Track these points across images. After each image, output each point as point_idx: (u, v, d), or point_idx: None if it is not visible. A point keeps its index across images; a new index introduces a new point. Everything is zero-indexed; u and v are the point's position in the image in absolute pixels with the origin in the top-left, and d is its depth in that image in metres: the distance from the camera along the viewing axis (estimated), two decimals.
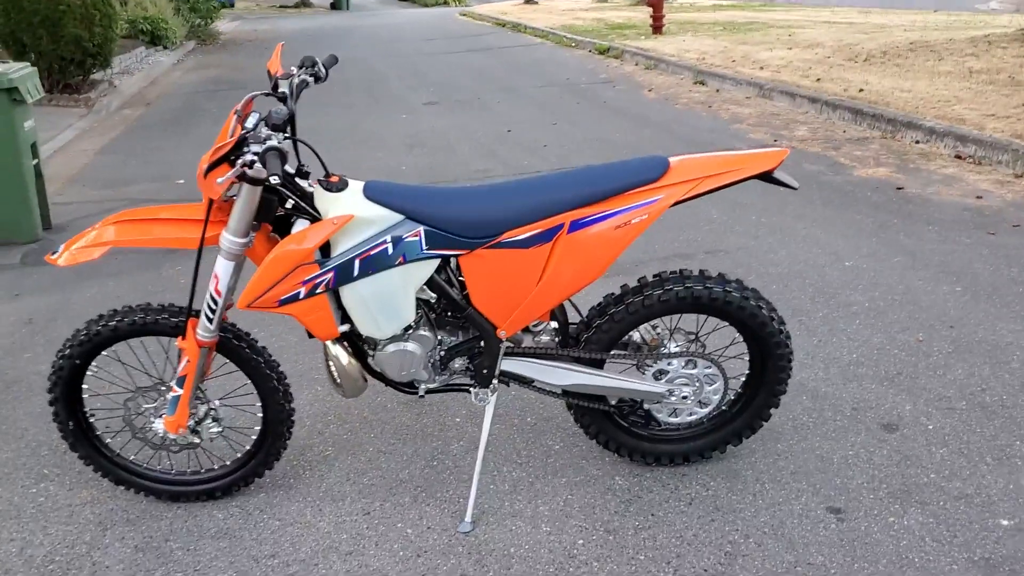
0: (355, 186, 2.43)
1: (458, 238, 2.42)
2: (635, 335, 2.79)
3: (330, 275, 2.40)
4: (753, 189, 6.11)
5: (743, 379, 2.85)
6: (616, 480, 2.87)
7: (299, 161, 2.43)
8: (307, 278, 2.38)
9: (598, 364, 2.71)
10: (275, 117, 2.29)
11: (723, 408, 2.90)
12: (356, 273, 2.40)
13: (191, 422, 2.69)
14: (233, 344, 2.61)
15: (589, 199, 2.43)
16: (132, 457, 2.84)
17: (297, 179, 2.39)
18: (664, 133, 8.14)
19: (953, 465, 2.87)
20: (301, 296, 2.40)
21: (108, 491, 2.90)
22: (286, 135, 2.35)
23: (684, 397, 2.74)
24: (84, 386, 2.73)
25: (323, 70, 2.63)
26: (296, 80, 2.53)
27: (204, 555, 2.61)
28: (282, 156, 2.14)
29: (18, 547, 2.68)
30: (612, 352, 2.72)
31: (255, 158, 2.13)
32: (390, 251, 2.40)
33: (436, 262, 2.45)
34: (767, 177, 2.50)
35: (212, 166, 2.16)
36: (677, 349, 2.77)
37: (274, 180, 2.06)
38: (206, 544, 2.66)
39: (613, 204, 2.43)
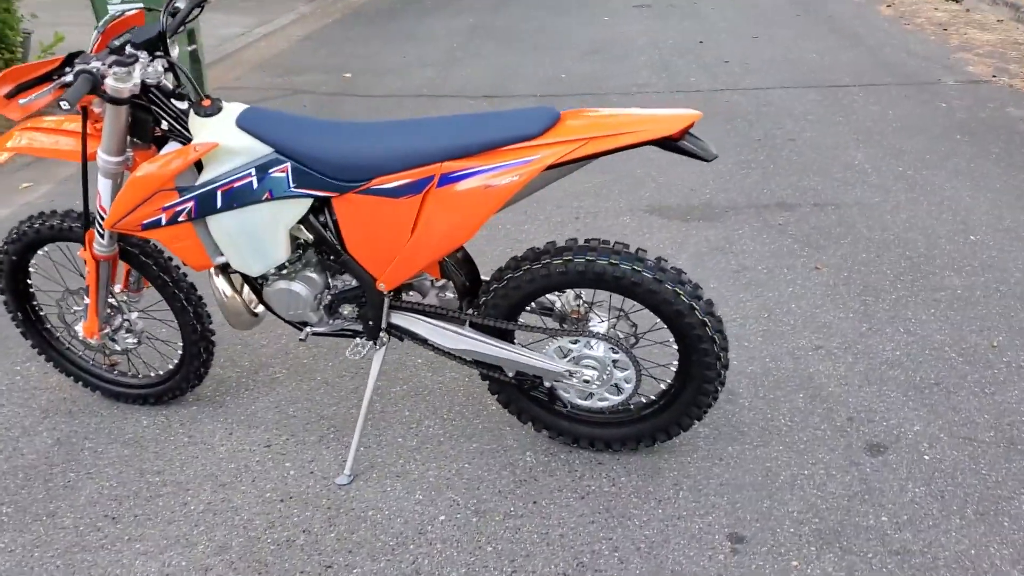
0: (230, 112, 2.28)
1: (327, 179, 2.23)
2: (557, 304, 2.50)
3: (191, 204, 2.29)
4: (925, 131, 5.30)
5: (674, 369, 2.47)
6: (524, 457, 2.63)
7: (178, 81, 2.31)
8: (167, 204, 2.30)
9: (498, 331, 2.45)
10: (137, 35, 2.18)
11: (652, 398, 2.55)
12: (219, 205, 2.28)
13: (108, 330, 2.73)
14: (140, 260, 2.60)
15: (462, 151, 2.14)
16: (80, 353, 2.95)
17: (173, 100, 2.28)
18: (867, 58, 7.21)
19: (918, 511, 2.36)
20: (163, 223, 2.33)
21: (71, 383, 3.03)
22: (156, 54, 2.24)
23: (586, 381, 2.42)
24: (29, 281, 2.84)
25: None
26: None
27: (104, 459, 2.69)
28: (94, 82, 2.03)
29: None
30: (518, 320, 2.44)
31: (72, 79, 2.04)
32: (255, 185, 2.25)
33: (308, 202, 2.28)
34: (669, 145, 2.08)
35: (29, 84, 2.09)
36: (602, 325, 2.45)
37: (64, 106, 1.96)
38: (114, 449, 2.74)
39: (485, 160, 2.12)
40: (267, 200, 2.27)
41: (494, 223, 4.28)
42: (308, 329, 2.54)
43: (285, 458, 2.66)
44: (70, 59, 2.13)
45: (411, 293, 2.54)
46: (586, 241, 2.33)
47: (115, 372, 2.94)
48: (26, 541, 2.38)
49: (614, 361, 2.39)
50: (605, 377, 2.41)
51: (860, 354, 3.07)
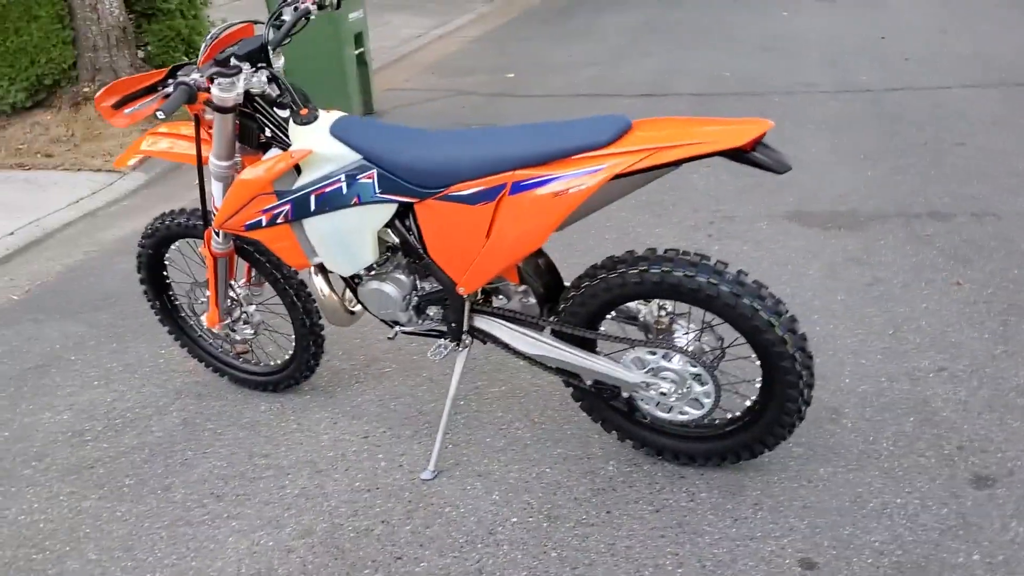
0: (326, 120, 2.41)
1: (409, 185, 2.31)
2: (642, 313, 2.48)
3: (287, 207, 2.44)
4: None
5: (758, 385, 2.40)
6: (607, 466, 2.62)
7: (279, 89, 2.44)
8: (266, 207, 2.45)
9: (577, 339, 2.46)
10: (241, 48, 2.34)
11: (737, 414, 2.48)
12: (313, 208, 2.42)
13: (227, 321, 2.94)
14: (255, 257, 2.78)
15: (533, 159, 2.16)
16: (210, 340, 3.19)
17: (275, 109, 2.43)
18: None
19: (1018, 552, 2.18)
20: (264, 224, 2.48)
21: (204, 368, 3.28)
22: (260, 66, 2.39)
23: (663, 393, 2.39)
24: (165, 273, 3.10)
25: None
26: (299, 7, 2.53)
27: (221, 440, 2.90)
28: (190, 93, 2.18)
29: (111, 399, 3.19)
30: (598, 328, 2.45)
31: (171, 91, 2.21)
32: (344, 191, 2.37)
33: (393, 207, 2.37)
34: (740, 156, 2.02)
35: (136, 95, 2.27)
36: (685, 337, 2.41)
37: (160, 116, 2.12)
38: (231, 432, 2.95)
39: (556, 168, 2.14)
40: (355, 205, 2.37)
41: (624, 224, 4.26)
42: (397, 328, 2.64)
43: (379, 450, 2.77)
44: (174, 71, 2.31)
45: (499, 297, 2.58)
46: (665, 251, 2.30)
47: (240, 360, 3.15)
48: (140, 512, 2.60)
49: (694, 375, 2.35)
50: (684, 391, 2.37)
51: (987, 378, 2.86)
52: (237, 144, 2.51)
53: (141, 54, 6.38)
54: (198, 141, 2.52)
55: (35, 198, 5.12)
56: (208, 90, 2.32)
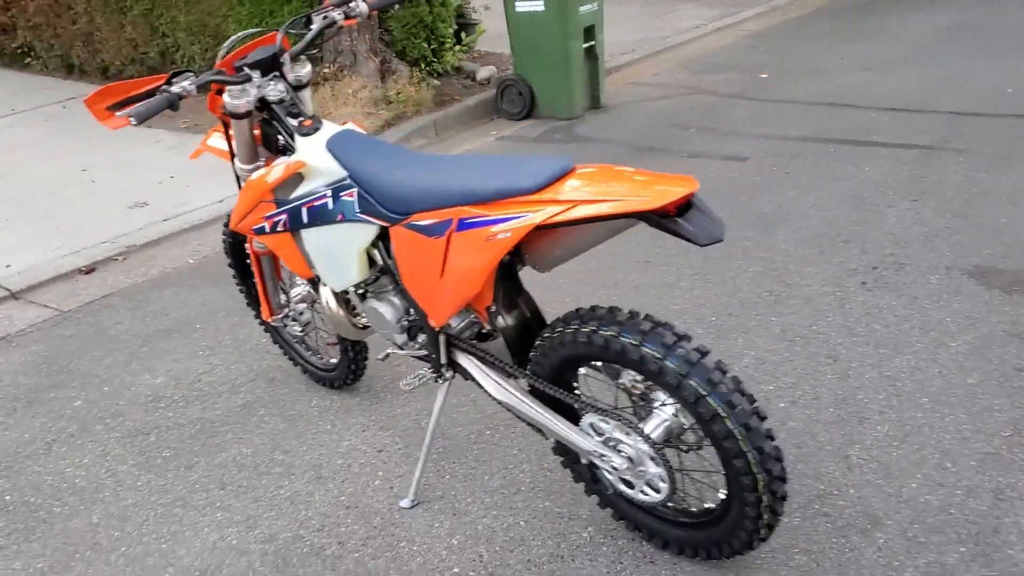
0: (326, 133, 2.39)
1: (381, 208, 2.24)
2: (623, 374, 2.22)
3: (284, 216, 2.45)
4: None
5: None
6: (583, 532, 2.39)
7: (290, 99, 2.44)
8: (267, 214, 2.48)
9: (539, 393, 2.26)
10: (253, 57, 2.39)
11: (711, 505, 2.16)
12: (305, 220, 2.41)
13: (280, 315, 3.03)
14: None
15: (475, 197, 2.00)
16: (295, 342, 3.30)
17: (288, 118, 2.45)
18: None
19: None
20: (267, 231, 2.52)
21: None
22: (274, 74, 2.42)
23: (615, 467, 2.12)
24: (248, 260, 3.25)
25: (361, 5, 2.53)
26: (324, 17, 2.51)
27: (261, 429, 3.03)
28: (172, 101, 2.24)
29: (202, 370, 3.44)
30: (570, 383, 2.23)
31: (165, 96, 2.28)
32: (330, 206, 2.34)
33: (374, 228, 2.31)
34: (653, 220, 1.73)
35: (135, 99, 2.35)
36: (664, 410, 2.13)
37: (132, 122, 2.18)
38: (274, 422, 3.07)
39: (493, 209, 1.96)
40: (341, 221, 2.34)
41: (780, 258, 3.85)
42: (390, 349, 2.58)
43: (384, 467, 2.74)
44: (172, 77, 2.38)
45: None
46: (629, 312, 2.04)
47: (309, 352, 3.24)
48: (154, 485, 2.78)
49: (650, 454, 2.07)
50: (640, 470, 2.10)
51: None
52: (261, 149, 2.56)
53: (387, 39, 6.72)
54: (229, 143, 2.60)
55: None
56: (220, 93, 2.38)
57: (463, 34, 7.39)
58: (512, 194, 1.91)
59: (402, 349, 2.56)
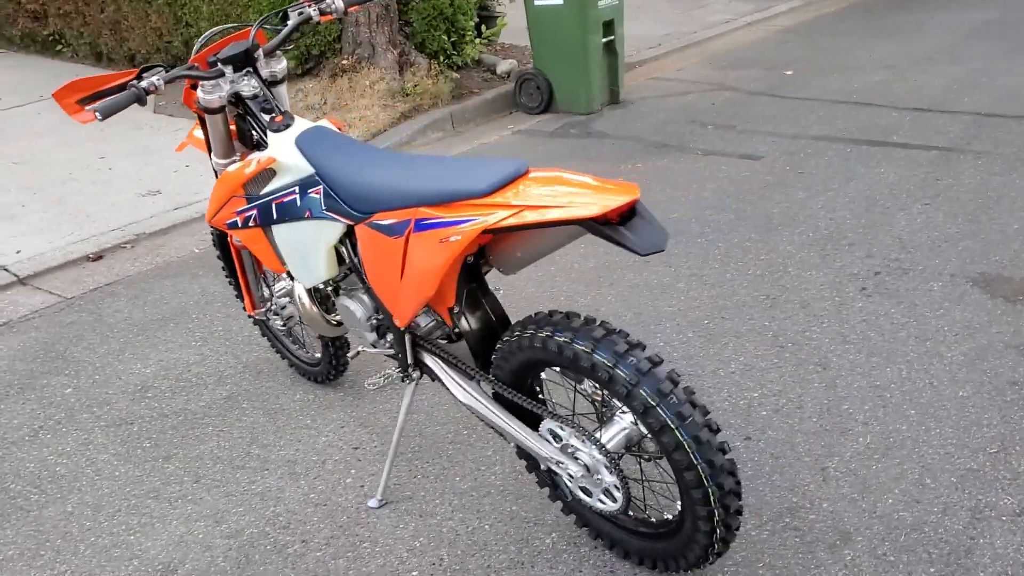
0: (297, 129, 2.37)
1: (345, 206, 2.22)
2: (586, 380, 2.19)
3: (255, 212, 2.44)
4: None
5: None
6: (547, 538, 2.36)
7: (263, 95, 2.42)
8: (238, 209, 2.47)
9: (501, 397, 2.23)
10: (226, 53, 2.38)
11: (669, 516, 2.12)
12: (275, 216, 2.40)
13: (263, 309, 3.03)
14: None
15: (431, 198, 1.97)
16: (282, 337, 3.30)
17: (262, 113, 2.44)
18: None
19: None
20: (239, 225, 2.51)
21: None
22: (248, 70, 2.40)
23: (571, 475, 2.09)
24: None
25: (337, 2, 2.50)
26: (299, 13, 2.49)
27: (242, 422, 3.02)
28: (138, 96, 2.22)
29: (192, 361, 3.45)
30: (533, 387, 2.20)
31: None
32: (298, 203, 2.32)
33: (341, 226, 2.29)
34: (595, 228, 1.69)
35: (106, 93, 2.34)
36: (625, 417, 2.09)
37: (98, 116, 2.18)
38: (255, 416, 3.06)
39: (447, 211, 1.93)
40: (308, 218, 2.32)
41: (783, 260, 3.78)
42: (360, 347, 2.56)
43: (357, 465, 2.73)
44: (142, 72, 2.38)
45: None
46: (584, 318, 1.99)
47: (295, 345, 3.24)
48: (131, 476, 2.79)
49: (605, 463, 2.03)
50: (596, 478, 2.06)
51: None
52: (238, 144, 2.55)
53: (407, 31, 6.70)
54: (207, 137, 2.59)
55: None
56: (195, 88, 2.38)
57: (484, 27, 7.34)
58: (465, 196, 1.88)
59: (374, 347, 2.54)
